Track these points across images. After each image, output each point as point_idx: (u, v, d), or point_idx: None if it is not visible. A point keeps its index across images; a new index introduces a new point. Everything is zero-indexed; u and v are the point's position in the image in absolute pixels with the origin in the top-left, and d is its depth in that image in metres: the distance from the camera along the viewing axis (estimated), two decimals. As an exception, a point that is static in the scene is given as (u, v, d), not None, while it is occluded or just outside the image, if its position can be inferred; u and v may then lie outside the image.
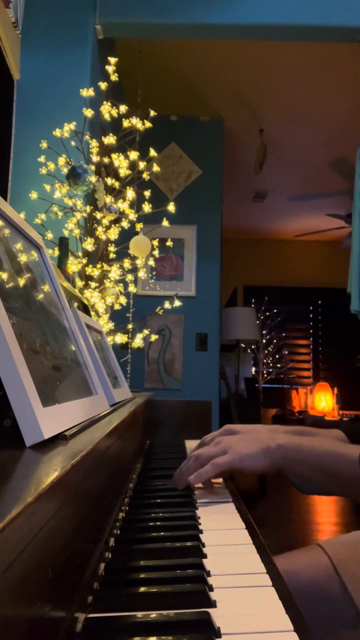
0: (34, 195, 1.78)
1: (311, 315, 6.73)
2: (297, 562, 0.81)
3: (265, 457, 0.77)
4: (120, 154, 1.85)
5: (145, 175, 1.88)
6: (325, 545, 0.84)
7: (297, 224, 5.99)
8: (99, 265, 1.80)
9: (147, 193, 1.92)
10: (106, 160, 1.83)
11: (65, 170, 1.72)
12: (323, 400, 6.18)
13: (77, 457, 0.39)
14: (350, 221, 4.28)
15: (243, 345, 5.19)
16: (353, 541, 0.85)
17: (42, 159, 1.80)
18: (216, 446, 0.81)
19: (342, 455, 0.74)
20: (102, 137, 1.84)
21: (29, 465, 0.38)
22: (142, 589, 0.48)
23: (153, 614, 0.43)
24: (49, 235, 1.78)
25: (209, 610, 0.43)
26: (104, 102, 1.85)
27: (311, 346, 6.71)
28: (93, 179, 1.68)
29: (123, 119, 1.85)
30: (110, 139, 1.81)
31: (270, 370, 5.85)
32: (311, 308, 6.71)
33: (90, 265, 1.77)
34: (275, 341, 5.90)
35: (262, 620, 0.43)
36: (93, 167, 1.77)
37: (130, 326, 1.98)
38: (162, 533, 0.62)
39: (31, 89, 2.21)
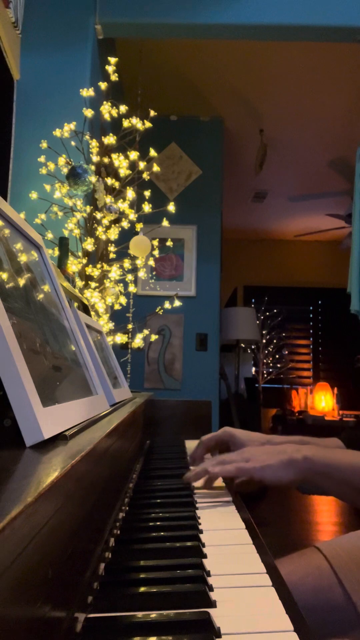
0: (34, 195, 1.78)
1: (311, 315, 6.73)
2: (296, 572, 0.80)
3: (290, 469, 0.76)
4: (120, 154, 1.85)
5: (145, 175, 1.88)
6: (323, 547, 0.84)
7: (297, 224, 5.99)
8: (99, 265, 1.80)
9: (147, 193, 1.92)
10: (106, 160, 1.83)
11: (65, 170, 1.72)
12: (323, 400, 6.18)
13: (77, 457, 0.39)
14: (350, 221, 4.28)
15: (243, 345, 5.19)
16: (352, 543, 0.85)
17: (42, 159, 1.80)
18: (239, 455, 0.81)
19: None
20: (102, 137, 1.84)
21: (29, 465, 0.38)
22: (142, 589, 0.48)
23: (153, 614, 0.43)
24: (49, 235, 1.78)
25: (209, 610, 0.43)
26: (104, 102, 1.85)
27: (311, 346, 6.71)
28: (93, 179, 1.68)
29: (123, 119, 1.85)
30: (110, 139, 1.81)
31: (270, 370, 5.85)
32: (311, 308, 6.71)
33: (90, 265, 1.77)
34: (275, 341, 5.90)
35: (262, 620, 0.43)
36: (93, 167, 1.77)
37: (130, 326, 1.97)
38: (162, 533, 0.62)
39: (31, 89, 2.20)
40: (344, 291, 2.93)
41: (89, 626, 0.41)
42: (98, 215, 1.78)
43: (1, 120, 2.11)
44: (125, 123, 1.84)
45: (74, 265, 1.70)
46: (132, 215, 1.86)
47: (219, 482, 0.90)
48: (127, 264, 1.87)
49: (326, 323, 6.68)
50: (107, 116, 1.85)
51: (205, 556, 0.56)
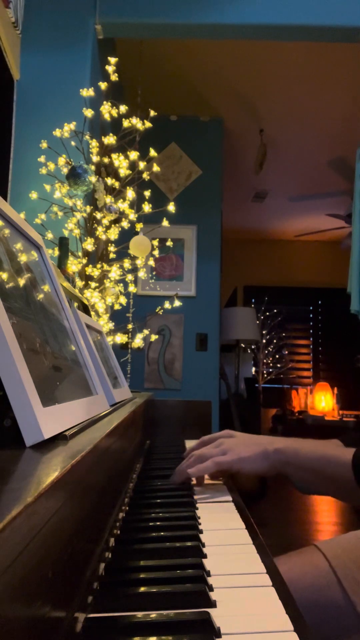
0: (34, 195, 1.78)
1: (311, 315, 6.73)
2: (295, 569, 0.80)
3: (264, 460, 0.80)
4: (120, 154, 1.85)
5: (145, 175, 1.88)
6: (322, 547, 0.84)
7: (297, 224, 5.99)
8: (99, 265, 1.80)
9: (147, 193, 1.92)
10: (106, 160, 1.83)
11: (65, 170, 1.72)
12: (323, 400, 6.18)
13: (77, 457, 0.39)
14: (350, 221, 4.28)
15: (243, 345, 5.19)
16: (351, 542, 0.85)
17: (42, 159, 1.80)
18: (217, 448, 0.84)
19: (336, 458, 0.77)
20: (102, 137, 1.84)
21: (29, 465, 0.38)
22: (142, 589, 0.48)
23: (153, 614, 0.43)
24: (49, 235, 1.78)
25: (209, 610, 0.43)
26: (104, 102, 1.85)
27: (311, 346, 6.71)
28: (93, 179, 1.68)
29: (123, 119, 1.85)
30: (110, 139, 1.81)
31: (270, 370, 5.85)
32: (311, 308, 6.71)
33: (90, 265, 1.77)
34: (275, 341, 5.90)
35: (262, 620, 0.43)
36: (93, 167, 1.77)
37: (130, 326, 1.97)
38: (162, 533, 0.62)
39: (31, 89, 2.20)
40: (344, 291, 2.93)
41: (89, 626, 0.41)
42: (98, 215, 1.78)
43: (1, 120, 2.11)
44: (125, 123, 1.84)
45: (74, 265, 1.70)
46: (132, 215, 1.86)
47: (219, 482, 0.90)
48: (127, 264, 1.87)
49: (326, 323, 6.68)
50: (107, 116, 1.85)
51: (205, 556, 0.56)
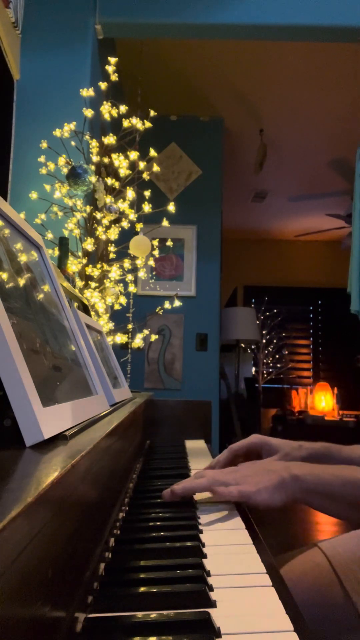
0: (34, 195, 1.78)
1: (311, 315, 6.73)
2: (295, 568, 0.80)
3: (281, 490, 0.70)
4: (120, 154, 1.85)
5: (145, 175, 1.88)
6: (323, 546, 0.84)
7: (297, 224, 5.99)
8: (99, 265, 1.80)
9: (147, 193, 1.92)
10: (106, 160, 1.83)
11: (65, 170, 1.72)
12: (323, 400, 6.18)
13: (77, 457, 0.39)
14: (350, 221, 4.28)
15: (243, 345, 5.19)
16: (352, 542, 0.85)
17: (42, 159, 1.80)
18: (232, 474, 0.75)
19: None
20: (102, 137, 1.84)
21: (29, 465, 0.38)
22: (142, 589, 0.48)
23: (153, 614, 0.43)
24: (49, 235, 1.78)
25: (209, 610, 0.43)
26: (104, 102, 1.85)
27: (311, 346, 6.70)
28: (93, 179, 1.68)
29: (123, 119, 1.85)
30: (110, 139, 1.81)
31: (270, 370, 5.85)
32: (311, 308, 6.71)
33: (90, 265, 1.77)
34: (275, 341, 5.90)
35: (262, 620, 0.43)
36: (93, 167, 1.77)
37: (130, 326, 1.97)
38: (162, 533, 0.62)
39: (31, 89, 2.20)
40: (344, 291, 2.93)
41: (89, 626, 0.41)
42: (98, 215, 1.78)
43: (1, 120, 2.11)
44: (125, 123, 1.84)
45: (74, 265, 1.70)
46: (132, 215, 1.86)
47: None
48: (127, 264, 1.87)
49: (326, 323, 6.67)
50: (107, 116, 1.85)
51: (205, 556, 0.56)
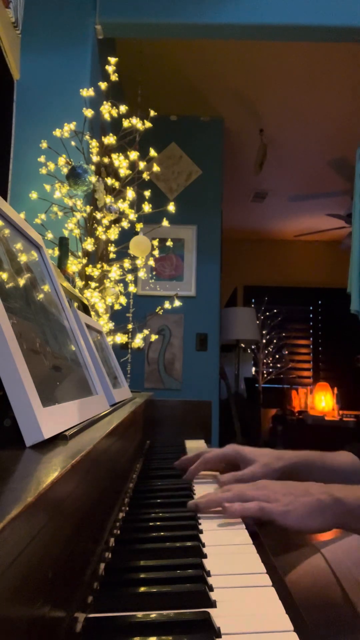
0: (34, 195, 1.78)
1: (311, 315, 6.73)
2: (295, 570, 0.80)
3: (317, 514, 0.63)
4: (120, 154, 1.85)
5: (145, 175, 1.88)
6: (322, 547, 0.84)
7: (297, 224, 5.99)
8: (99, 265, 1.80)
9: (147, 193, 1.92)
10: (106, 160, 1.83)
11: (65, 170, 1.72)
12: (323, 400, 6.18)
13: (77, 457, 0.39)
14: (350, 221, 4.28)
15: (243, 345, 5.19)
16: (351, 543, 0.85)
17: (42, 159, 1.80)
18: (256, 489, 0.68)
19: None
20: (102, 137, 1.84)
21: (29, 465, 0.38)
22: (142, 589, 0.48)
23: (153, 614, 0.43)
24: (49, 235, 1.78)
25: (209, 610, 0.43)
26: (104, 102, 1.85)
27: (311, 346, 6.70)
28: (93, 179, 1.68)
29: (123, 119, 1.85)
30: (110, 139, 1.81)
31: (270, 370, 5.85)
32: (311, 308, 6.71)
33: (90, 265, 1.77)
34: (275, 341, 5.90)
35: (262, 620, 0.43)
36: (93, 167, 1.77)
37: (130, 326, 1.97)
38: (162, 533, 0.62)
39: (31, 89, 2.20)
40: (344, 291, 2.93)
41: (89, 626, 0.41)
42: (98, 215, 1.78)
43: (1, 120, 2.10)
44: (125, 123, 1.84)
45: (74, 265, 1.70)
46: (132, 215, 1.86)
47: (215, 472, 0.89)
48: (127, 264, 1.87)
49: (326, 323, 6.67)
50: (107, 116, 1.85)
51: (205, 556, 0.56)
